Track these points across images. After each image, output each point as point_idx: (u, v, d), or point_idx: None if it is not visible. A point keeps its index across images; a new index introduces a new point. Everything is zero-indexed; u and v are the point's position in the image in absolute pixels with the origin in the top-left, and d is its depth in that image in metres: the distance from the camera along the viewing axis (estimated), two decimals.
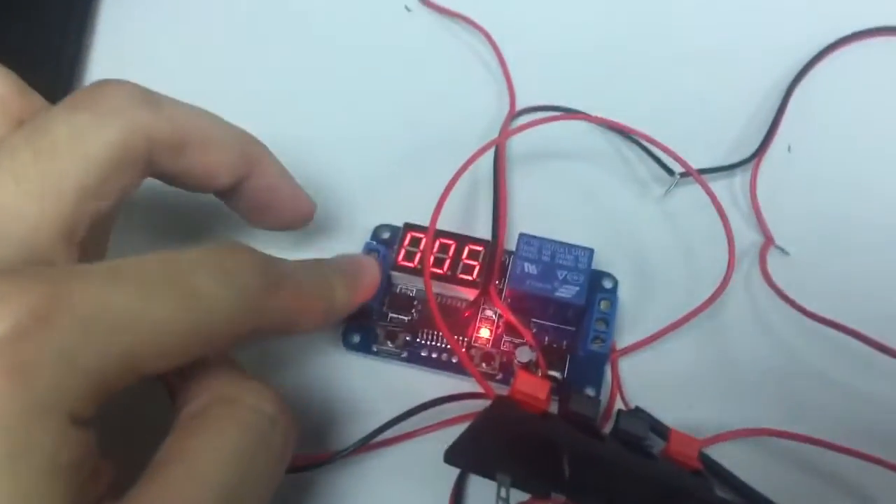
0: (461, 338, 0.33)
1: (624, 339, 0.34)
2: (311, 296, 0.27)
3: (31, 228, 0.23)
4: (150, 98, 0.26)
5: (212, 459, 0.22)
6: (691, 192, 0.38)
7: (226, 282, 0.23)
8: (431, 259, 0.33)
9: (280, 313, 0.25)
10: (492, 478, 0.27)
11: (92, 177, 0.24)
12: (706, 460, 0.31)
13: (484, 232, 0.35)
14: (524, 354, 0.32)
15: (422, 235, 0.33)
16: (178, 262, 0.22)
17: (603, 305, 0.32)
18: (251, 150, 0.30)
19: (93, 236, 0.25)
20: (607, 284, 0.35)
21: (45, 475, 0.19)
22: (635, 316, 0.35)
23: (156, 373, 0.22)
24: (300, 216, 0.33)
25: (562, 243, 0.33)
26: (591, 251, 0.33)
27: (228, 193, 0.30)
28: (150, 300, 0.21)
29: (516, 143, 0.40)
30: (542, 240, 0.33)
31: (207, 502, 0.21)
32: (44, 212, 0.23)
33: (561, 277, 0.32)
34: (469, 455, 0.27)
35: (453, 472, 0.30)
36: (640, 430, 0.28)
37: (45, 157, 0.23)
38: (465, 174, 0.35)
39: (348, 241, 0.36)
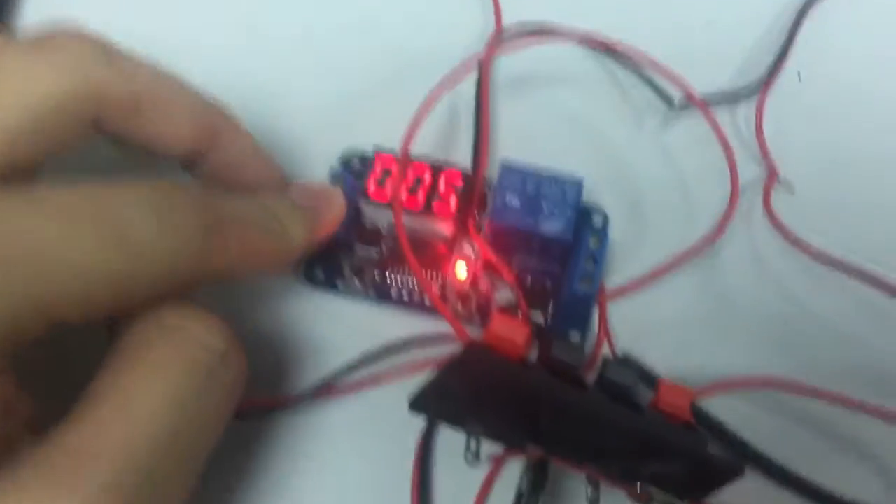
0: (435, 276, 0.31)
1: (613, 281, 0.32)
2: (259, 237, 0.25)
3: None
4: (109, 53, 0.24)
5: (149, 400, 0.20)
6: (691, 122, 0.35)
7: (160, 223, 0.21)
8: (404, 189, 0.30)
9: (224, 258, 0.23)
10: (461, 428, 0.25)
11: (32, 121, 0.22)
12: (699, 413, 0.29)
13: (464, 162, 0.32)
14: (504, 293, 0.30)
15: (392, 162, 0.30)
16: (109, 197, 0.20)
17: (592, 242, 0.30)
18: (215, 120, 0.27)
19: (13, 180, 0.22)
20: (597, 222, 0.32)
21: None
22: (626, 256, 0.33)
23: (77, 323, 0.20)
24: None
25: (548, 173, 0.30)
26: (580, 183, 0.30)
27: (188, 164, 0.28)
28: (71, 239, 0.19)
29: (502, 67, 0.36)
30: (526, 169, 0.30)
31: (141, 449, 0.19)
32: None
33: (546, 211, 0.29)
34: (436, 403, 0.25)
35: (420, 422, 0.28)
36: (628, 379, 0.26)
37: None
38: (446, 101, 0.32)
39: (314, 170, 0.33)
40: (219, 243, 0.23)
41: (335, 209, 0.28)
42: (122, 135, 0.25)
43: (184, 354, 0.21)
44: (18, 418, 0.20)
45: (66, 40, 0.24)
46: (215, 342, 0.22)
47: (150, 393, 0.20)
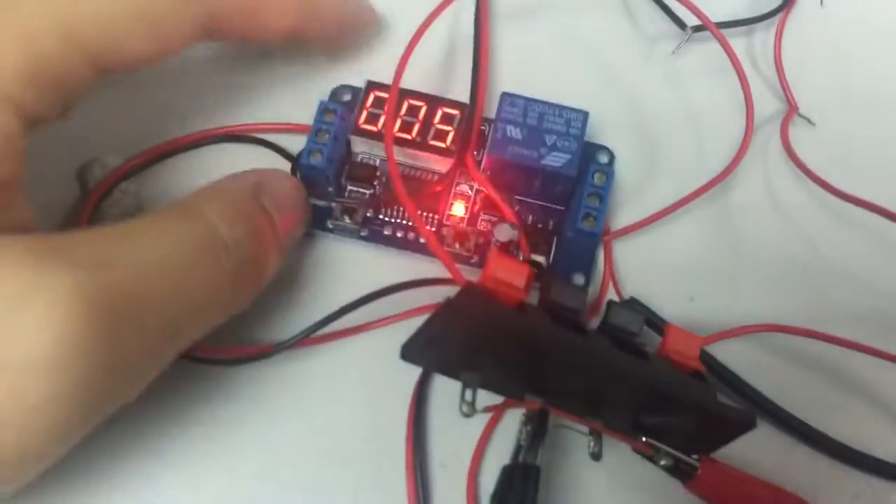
0: (432, 216, 0.29)
1: (620, 220, 0.30)
2: None
3: None
4: None
5: (138, 251, 0.20)
6: (704, 51, 0.33)
7: None
8: (396, 123, 0.28)
9: None
10: (457, 377, 0.23)
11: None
12: (708, 360, 0.27)
13: (463, 96, 0.30)
14: (504, 232, 0.28)
15: (386, 95, 0.28)
16: None
17: (597, 178, 0.28)
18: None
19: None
20: (602, 159, 0.30)
21: None
22: (635, 193, 0.31)
23: (112, 61, 0.22)
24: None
25: (551, 104, 0.28)
26: (586, 114, 0.28)
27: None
28: None
29: None
30: (528, 100, 0.28)
31: (118, 282, 0.19)
32: None
33: (549, 143, 0.27)
34: (430, 352, 0.23)
35: (416, 369, 0.26)
36: (634, 324, 0.24)
37: None
38: (445, 30, 0.30)
39: (304, 106, 0.30)
40: None
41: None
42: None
43: (188, 226, 0.22)
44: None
45: None
46: (223, 229, 0.22)
47: (141, 244, 0.20)
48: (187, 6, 0.24)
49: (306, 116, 0.28)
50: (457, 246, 0.28)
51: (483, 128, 0.30)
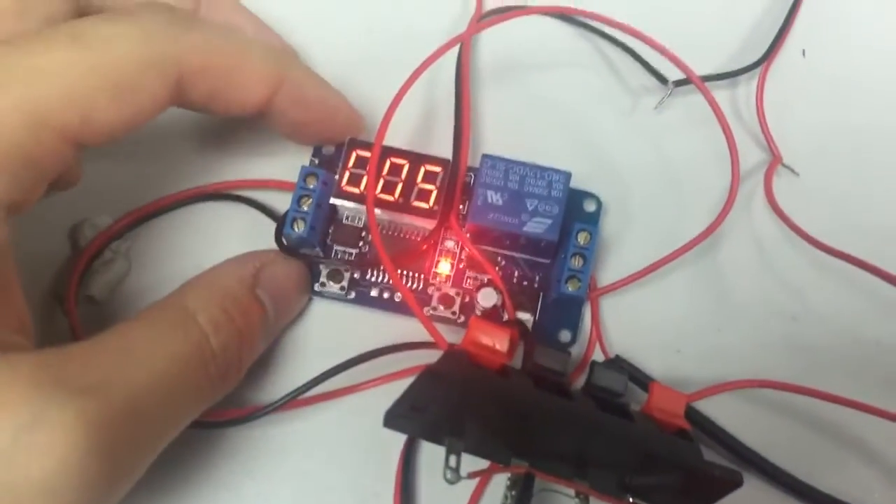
0: (417, 275, 0.29)
1: (608, 275, 0.30)
2: (228, 42, 0.26)
3: None
4: (189, 21, 0.26)
5: (149, 348, 0.22)
6: (687, 105, 0.33)
7: (120, 20, 0.23)
8: (378, 184, 0.28)
9: (203, 51, 0.25)
10: (441, 443, 0.23)
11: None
12: (694, 416, 0.27)
13: (445, 148, 0.30)
14: (487, 298, 0.28)
15: (369, 154, 0.29)
16: (72, 21, 0.24)
17: (581, 238, 0.28)
18: (283, 73, 0.28)
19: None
20: (590, 207, 0.30)
21: None
22: (620, 249, 0.31)
23: (83, 134, 0.22)
24: (343, 131, 0.30)
25: (533, 166, 0.28)
26: (568, 175, 0.28)
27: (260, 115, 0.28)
28: (33, 52, 0.22)
29: (484, 50, 0.34)
30: (508, 161, 0.28)
31: (138, 378, 0.21)
32: None
33: (531, 208, 0.27)
34: (413, 418, 0.23)
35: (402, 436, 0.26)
36: (617, 384, 0.25)
37: None
38: (427, 90, 0.31)
39: (284, 165, 0.31)
40: (188, 40, 0.24)
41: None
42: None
43: (187, 330, 0.23)
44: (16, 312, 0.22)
45: (147, 6, 0.25)
46: (210, 335, 0.23)
47: (150, 342, 0.22)
48: (153, 70, 0.24)
49: (292, 172, 0.29)
50: (442, 308, 0.29)
51: (468, 177, 0.30)
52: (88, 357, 0.21)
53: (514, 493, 0.24)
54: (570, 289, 0.27)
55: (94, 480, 0.19)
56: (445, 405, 0.22)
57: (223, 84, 0.26)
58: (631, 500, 0.24)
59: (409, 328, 0.28)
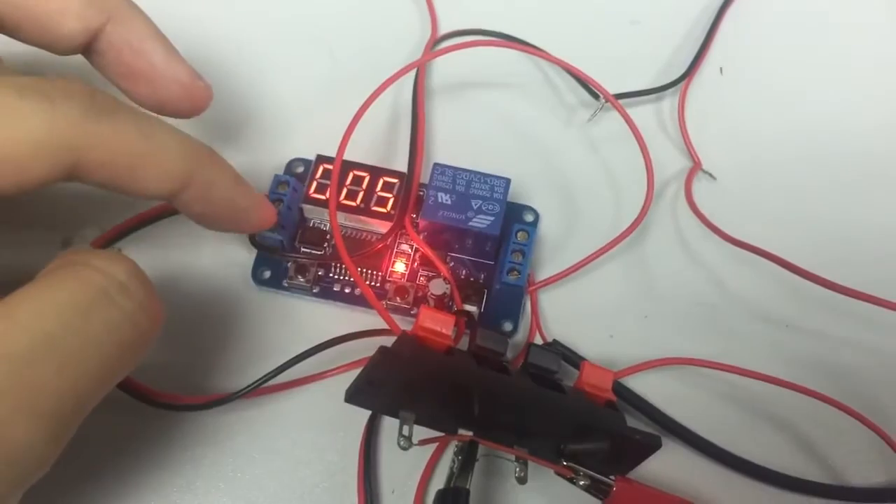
0: (376, 273, 0.32)
1: (547, 271, 0.34)
2: (140, 139, 0.24)
3: None
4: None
5: (34, 306, 0.21)
6: (618, 118, 0.36)
7: (37, 100, 0.22)
8: (340, 190, 0.32)
9: (107, 148, 0.23)
10: (397, 416, 0.26)
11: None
12: (621, 390, 0.31)
13: (402, 163, 0.34)
14: (438, 287, 0.31)
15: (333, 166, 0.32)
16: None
17: (520, 236, 0.31)
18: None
19: None
20: (528, 217, 0.34)
21: None
22: (558, 247, 0.34)
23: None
24: (184, 95, 0.29)
25: (477, 172, 0.32)
26: (508, 180, 0.31)
27: (88, 50, 0.28)
28: None
29: (438, 73, 0.38)
30: (456, 169, 0.32)
31: (20, 343, 0.20)
32: None
33: (476, 207, 0.31)
34: (371, 394, 0.26)
35: (366, 413, 0.29)
36: (551, 363, 0.28)
37: None
38: (386, 107, 0.33)
39: (262, 177, 0.34)
40: (98, 130, 0.23)
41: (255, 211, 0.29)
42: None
43: (78, 277, 0.22)
44: None
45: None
46: (113, 270, 0.23)
47: (35, 303, 0.21)
48: (48, 158, 0.23)
49: (264, 187, 0.32)
50: (398, 299, 0.32)
51: (420, 193, 0.33)
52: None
53: (460, 458, 0.27)
54: (510, 279, 0.30)
55: None
56: (398, 381, 0.25)
57: (123, 177, 0.25)
58: (565, 463, 0.27)
59: (367, 320, 0.31)
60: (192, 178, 0.26)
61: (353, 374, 0.26)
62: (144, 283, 0.24)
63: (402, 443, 0.25)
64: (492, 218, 0.31)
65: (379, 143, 0.36)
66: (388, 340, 0.28)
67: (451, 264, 0.33)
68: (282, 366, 0.29)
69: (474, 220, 0.31)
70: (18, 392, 0.20)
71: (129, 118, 0.25)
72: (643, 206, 0.32)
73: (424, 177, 0.33)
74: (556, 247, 0.34)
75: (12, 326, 0.20)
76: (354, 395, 0.26)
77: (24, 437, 0.20)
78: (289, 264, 0.32)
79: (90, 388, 0.22)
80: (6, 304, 0.21)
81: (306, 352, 0.29)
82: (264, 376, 0.29)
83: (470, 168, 0.32)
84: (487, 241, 0.31)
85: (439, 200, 0.31)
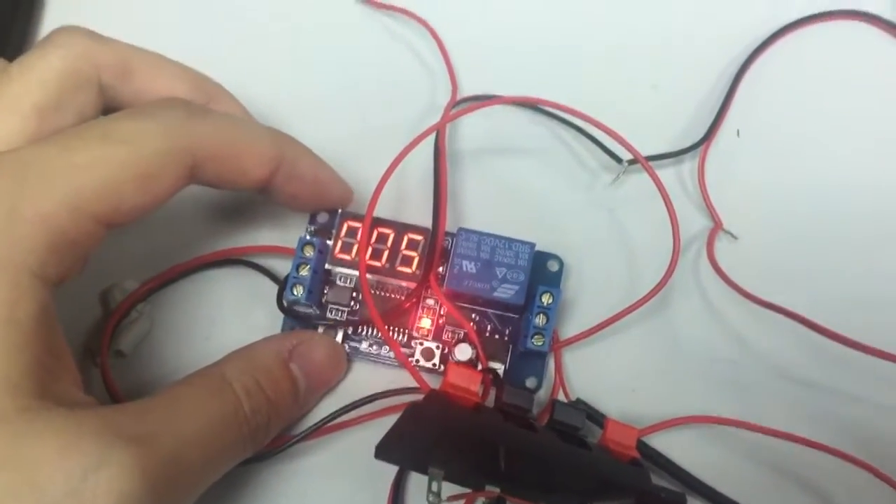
0: (403, 329, 0.33)
1: (569, 329, 0.34)
2: (236, 131, 0.29)
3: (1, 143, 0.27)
4: (93, 33, 0.29)
5: (189, 414, 0.25)
6: (640, 180, 0.37)
7: (143, 117, 0.27)
8: (367, 251, 0.32)
9: (214, 140, 0.28)
10: (425, 472, 0.27)
11: (44, 96, 0.28)
12: (644, 449, 0.31)
13: (425, 217, 0.34)
14: (463, 353, 0.32)
15: (359, 225, 0.33)
16: (102, 119, 0.27)
17: (544, 299, 0.31)
18: (285, 152, 0.31)
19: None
20: (553, 267, 0.34)
21: (1, 326, 0.22)
22: (581, 306, 0.35)
23: (114, 217, 0.26)
24: (339, 202, 0.34)
25: (502, 237, 0.32)
26: (532, 245, 0.32)
27: (262, 190, 0.32)
28: (71, 148, 0.25)
29: (459, 137, 0.39)
30: (481, 234, 0.32)
31: (187, 446, 0.24)
32: (7, 127, 0.27)
33: (500, 276, 0.31)
34: (400, 450, 0.27)
35: (392, 468, 0.30)
36: (576, 419, 0.28)
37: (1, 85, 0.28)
38: (408, 166, 0.34)
39: (284, 231, 0.35)
40: (205, 127, 0.28)
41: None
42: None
43: (221, 398, 0.27)
44: (69, 374, 0.25)
45: (54, 33, 0.29)
46: (247, 406, 0.27)
47: (191, 419, 0.25)
48: (172, 159, 0.27)
49: (291, 237, 0.33)
50: (423, 360, 0.32)
51: (446, 241, 0.34)
52: (142, 412, 0.24)
53: None
54: (535, 344, 0.31)
55: None
56: (427, 437, 0.26)
57: (230, 166, 0.29)
58: None
59: (394, 378, 0.32)
60: (283, 157, 0.31)
61: (381, 427, 0.27)
62: (273, 411, 0.28)
63: (431, 499, 0.26)
64: (516, 287, 0.31)
65: (398, 204, 0.37)
66: (416, 398, 0.29)
67: (476, 319, 0.33)
68: (311, 427, 0.30)
69: (499, 289, 0.31)
70: (163, 483, 0.23)
71: (221, 115, 0.30)
72: (670, 264, 0.32)
73: (448, 227, 0.34)
74: (578, 306, 0.35)
75: (179, 418, 0.25)
76: (384, 451, 0.26)
77: None
78: (317, 325, 0.33)
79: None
80: (159, 415, 0.25)
81: (334, 413, 0.30)
82: (294, 437, 0.30)
83: (491, 232, 0.32)
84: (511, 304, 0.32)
85: (464, 269, 0.32)
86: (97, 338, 0.32)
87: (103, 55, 0.29)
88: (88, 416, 0.22)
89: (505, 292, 0.31)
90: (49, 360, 0.23)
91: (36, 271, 0.23)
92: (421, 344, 0.33)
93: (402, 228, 0.33)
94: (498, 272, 0.31)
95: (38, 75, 0.28)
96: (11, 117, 0.27)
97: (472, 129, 0.39)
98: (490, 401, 0.29)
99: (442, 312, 0.33)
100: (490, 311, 0.33)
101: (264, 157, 0.30)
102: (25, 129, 0.27)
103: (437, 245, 0.33)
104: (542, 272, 0.34)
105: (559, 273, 0.34)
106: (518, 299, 0.31)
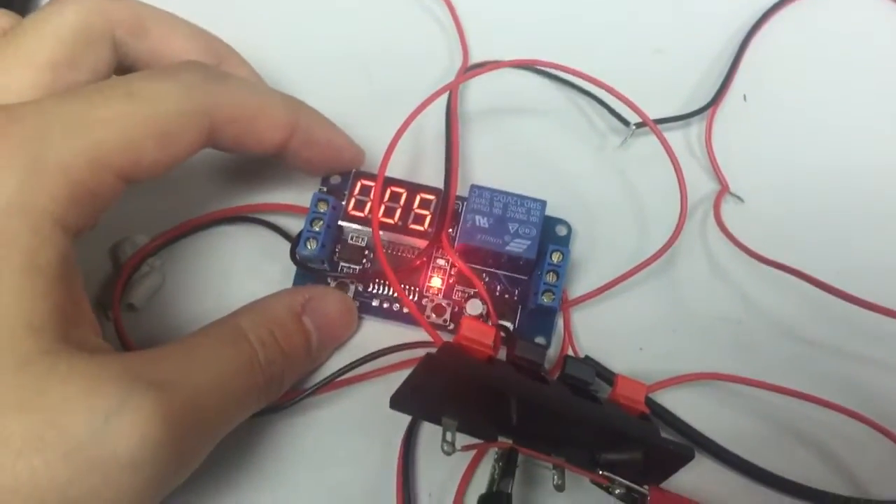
0: (413, 287, 0.33)
1: (578, 289, 0.35)
2: (253, 94, 0.30)
3: (14, 96, 0.27)
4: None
5: (207, 362, 0.26)
6: (648, 143, 0.38)
7: (165, 78, 0.27)
8: (380, 208, 0.33)
9: (232, 104, 0.29)
10: (439, 423, 0.27)
11: (59, 51, 0.28)
12: (652, 404, 0.31)
13: (437, 179, 0.35)
14: (474, 308, 0.32)
15: (372, 184, 0.33)
16: (125, 77, 0.27)
17: (554, 257, 0.32)
18: (300, 118, 0.32)
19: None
20: (561, 231, 0.35)
21: (24, 272, 0.22)
22: (590, 266, 0.35)
23: (133, 173, 0.26)
24: (350, 163, 0.35)
25: (514, 195, 0.32)
26: (544, 203, 0.32)
27: (277, 155, 0.32)
28: (94, 104, 0.25)
29: (470, 98, 0.39)
30: (493, 191, 0.32)
31: (189, 375, 0.24)
32: (21, 81, 0.27)
33: (512, 231, 0.32)
34: (414, 401, 0.27)
35: (406, 417, 0.30)
36: (586, 374, 0.28)
37: (15, 40, 0.28)
38: (420, 128, 0.35)
39: (297, 192, 0.36)
40: (224, 90, 0.29)
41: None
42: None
43: (239, 348, 0.27)
44: (89, 324, 0.25)
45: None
46: (262, 356, 0.28)
47: (208, 365, 0.26)
48: (191, 120, 0.27)
49: (303, 197, 0.34)
50: (433, 316, 0.33)
51: (457, 205, 0.34)
52: (160, 359, 0.24)
53: (501, 464, 0.27)
54: (545, 300, 0.31)
55: (166, 460, 0.22)
56: (442, 389, 0.26)
57: (247, 130, 0.30)
58: (601, 472, 0.28)
59: (405, 334, 0.32)
60: (297, 123, 0.31)
61: (394, 381, 0.28)
62: (286, 363, 0.29)
63: (445, 448, 0.26)
64: (528, 242, 0.32)
65: (410, 163, 0.37)
66: (427, 352, 0.29)
67: (486, 279, 0.34)
68: (323, 380, 0.31)
69: (511, 243, 0.32)
70: (181, 428, 0.23)
71: (237, 79, 0.30)
72: (677, 225, 0.33)
73: (461, 190, 0.35)
74: (586, 267, 0.35)
75: (196, 366, 0.25)
76: (398, 402, 0.27)
77: None
78: (329, 280, 0.33)
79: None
80: (178, 363, 0.25)
81: (346, 367, 0.31)
82: (306, 390, 0.30)
83: (504, 189, 0.33)
84: (522, 260, 0.32)
85: (477, 224, 0.32)
86: (108, 291, 0.32)
87: (118, 11, 0.30)
88: (109, 361, 0.23)
89: (518, 246, 0.31)
90: (69, 306, 0.24)
91: (57, 219, 0.24)
92: (432, 302, 0.33)
93: (414, 188, 0.33)
94: (510, 227, 0.32)
95: (52, 30, 0.28)
96: (25, 71, 0.27)
97: (482, 93, 0.39)
98: (502, 357, 0.30)
99: (452, 273, 0.34)
100: (500, 272, 0.34)
101: (280, 123, 0.31)
102: (39, 83, 0.27)
103: (449, 205, 0.33)
104: (551, 236, 0.34)
105: (567, 237, 0.35)
106: (530, 253, 0.31)
